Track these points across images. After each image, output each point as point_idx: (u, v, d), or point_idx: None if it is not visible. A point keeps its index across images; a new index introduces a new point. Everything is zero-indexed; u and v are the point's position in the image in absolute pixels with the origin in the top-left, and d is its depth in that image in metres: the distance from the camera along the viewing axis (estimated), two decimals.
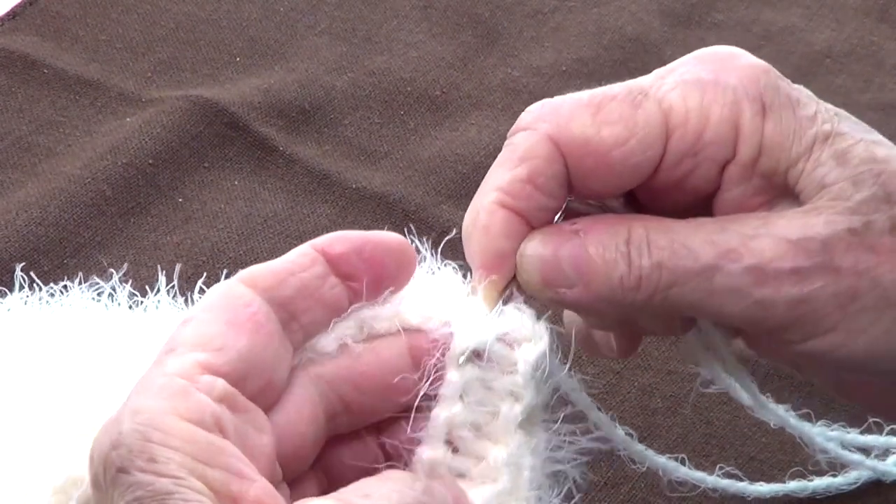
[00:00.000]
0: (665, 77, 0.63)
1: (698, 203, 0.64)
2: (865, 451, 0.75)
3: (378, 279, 0.60)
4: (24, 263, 0.77)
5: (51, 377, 0.64)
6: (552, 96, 0.64)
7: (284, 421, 0.58)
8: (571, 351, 0.62)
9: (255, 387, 0.56)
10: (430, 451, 0.59)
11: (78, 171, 0.92)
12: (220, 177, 0.94)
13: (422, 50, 1.04)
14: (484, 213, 0.62)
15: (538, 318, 0.61)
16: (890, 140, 0.64)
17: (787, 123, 0.62)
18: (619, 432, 0.66)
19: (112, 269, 0.76)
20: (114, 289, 0.69)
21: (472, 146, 0.97)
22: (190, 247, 0.89)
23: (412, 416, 0.60)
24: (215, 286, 0.58)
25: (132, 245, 0.89)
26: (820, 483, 0.75)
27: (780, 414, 0.68)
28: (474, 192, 0.63)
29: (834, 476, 0.75)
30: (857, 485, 0.75)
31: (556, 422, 0.61)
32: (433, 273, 0.62)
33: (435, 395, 0.59)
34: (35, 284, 0.71)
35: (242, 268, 0.59)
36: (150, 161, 0.93)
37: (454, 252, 0.63)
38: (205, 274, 0.72)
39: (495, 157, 0.64)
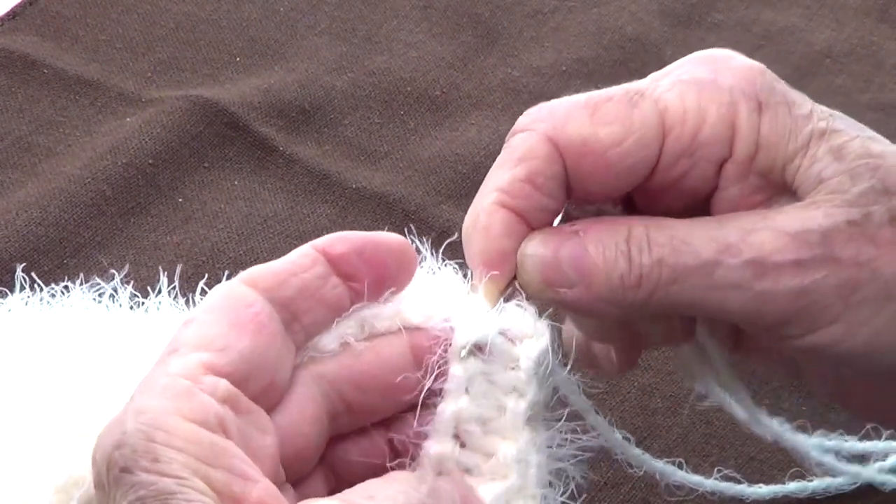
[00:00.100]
0: (661, 79, 0.64)
1: (696, 206, 0.64)
2: (865, 457, 0.75)
3: (379, 279, 0.60)
4: (24, 263, 0.77)
5: (52, 377, 0.64)
6: (552, 96, 0.64)
7: (287, 421, 0.58)
8: (572, 353, 0.63)
9: (258, 387, 0.56)
10: (437, 446, 0.59)
11: (78, 171, 0.92)
12: (220, 177, 0.94)
13: (422, 50, 1.04)
14: (484, 214, 0.62)
15: (539, 316, 0.61)
16: (890, 140, 0.64)
17: (783, 121, 0.63)
18: (617, 436, 0.66)
19: (113, 270, 0.76)
20: (115, 289, 0.70)
21: (472, 146, 0.97)
22: (190, 247, 0.89)
23: (418, 409, 0.60)
24: (217, 287, 0.58)
25: (132, 245, 0.89)
26: (819, 484, 0.75)
27: (775, 429, 0.69)
28: (474, 192, 0.63)
29: (833, 476, 0.75)
30: (857, 485, 0.75)
31: (558, 420, 0.61)
32: (434, 273, 0.62)
33: (439, 391, 0.60)
34: (36, 284, 0.71)
35: (242, 268, 0.59)
36: (150, 161, 0.93)
37: (455, 253, 0.63)
38: (206, 275, 0.71)
39: (495, 157, 0.64)
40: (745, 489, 0.73)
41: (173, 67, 1.01)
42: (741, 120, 0.62)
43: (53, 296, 0.70)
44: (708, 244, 0.61)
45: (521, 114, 0.64)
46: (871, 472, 0.74)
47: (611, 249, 0.61)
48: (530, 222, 0.62)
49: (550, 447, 0.61)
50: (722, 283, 0.60)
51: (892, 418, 0.70)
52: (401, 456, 0.60)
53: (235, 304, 0.57)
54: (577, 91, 0.60)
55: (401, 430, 0.61)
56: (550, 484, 0.61)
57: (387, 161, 0.96)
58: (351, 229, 0.90)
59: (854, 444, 0.74)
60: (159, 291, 0.69)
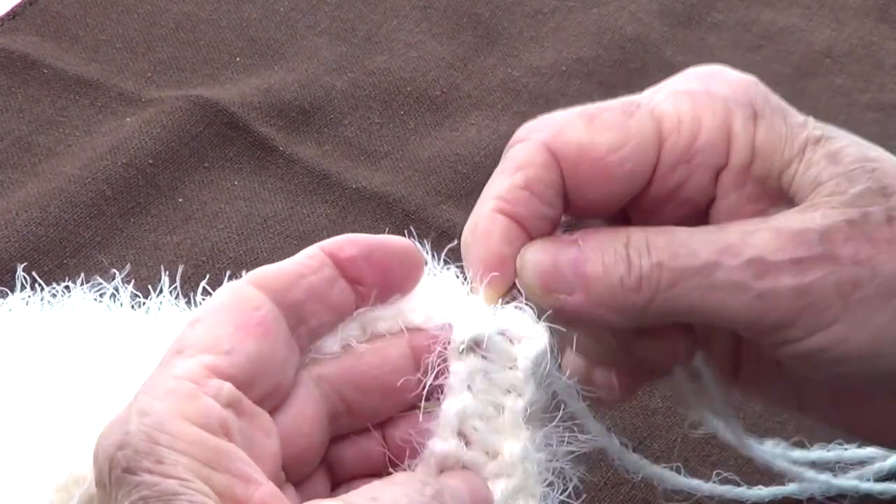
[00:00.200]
0: (656, 93, 0.64)
1: (694, 220, 0.64)
2: (866, 462, 0.75)
3: (385, 284, 0.60)
4: (24, 263, 0.77)
5: (53, 376, 0.64)
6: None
7: (290, 423, 0.58)
8: (573, 358, 0.63)
9: (263, 390, 0.56)
10: (442, 444, 0.59)
11: (78, 171, 0.92)
12: (220, 177, 0.94)
13: (422, 50, 1.04)
14: (483, 221, 0.62)
15: (538, 318, 0.61)
16: (891, 139, 0.64)
17: (778, 128, 0.63)
18: (615, 441, 0.66)
19: (115, 270, 0.76)
20: (116, 289, 0.70)
21: (472, 146, 0.97)
22: (190, 247, 0.89)
23: (422, 406, 0.60)
24: (224, 286, 0.58)
25: (132, 245, 0.89)
26: (820, 486, 0.75)
27: (768, 457, 0.70)
28: (474, 192, 0.63)
29: (833, 475, 0.75)
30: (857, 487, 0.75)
31: (555, 419, 0.61)
32: (434, 274, 0.62)
33: (440, 389, 0.60)
34: (37, 284, 0.71)
35: (243, 268, 0.59)
36: (150, 161, 0.93)
37: (455, 256, 0.63)
38: (208, 276, 0.71)
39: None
40: (745, 491, 0.73)
41: (173, 67, 1.01)
42: (737, 127, 0.63)
43: (54, 295, 0.70)
44: (707, 246, 0.61)
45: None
46: (869, 485, 0.74)
47: (610, 254, 0.61)
48: (529, 230, 0.62)
49: (550, 445, 0.61)
50: (722, 284, 0.60)
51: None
52: (400, 457, 0.60)
53: (242, 306, 0.57)
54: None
55: (401, 432, 0.61)
56: (550, 483, 0.61)
57: (387, 161, 0.96)
58: (351, 229, 0.91)
59: (856, 452, 0.74)
60: (160, 291, 0.69)
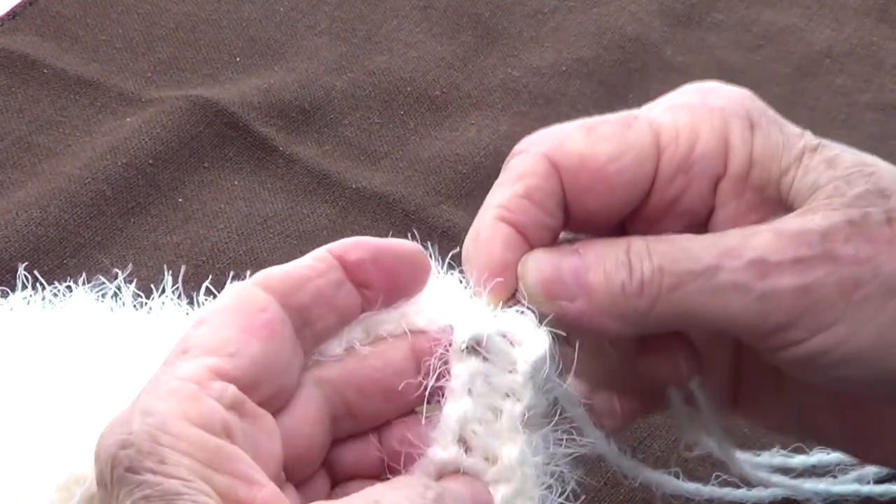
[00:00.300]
0: (654, 107, 0.65)
1: (694, 230, 0.64)
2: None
3: (392, 288, 0.60)
4: (25, 263, 0.77)
5: (54, 375, 0.65)
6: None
7: (292, 424, 0.58)
8: (574, 364, 0.62)
9: (266, 393, 0.56)
10: (442, 453, 0.59)
11: (78, 171, 0.92)
12: (220, 177, 0.94)
13: (422, 50, 1.04)
14: (485, 230, 0.62)
15: (539, 323, 0.61)
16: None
17: (775, 138, 0.63)
18: (614, 448, 0.66)
19: (117, 269, 0.76)
20: (118, 288, 0.70)
21: (472, 146, 0.97)
22: (190, 247, 0.89)
23: (424, 407, 0.60)
24: (230, 287, 0.58)
25: (132, 245, 0.89)
26: (821, 487, 0.75)
27: (762, 477, 0.70)
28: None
29: (834, 477, 0.75)
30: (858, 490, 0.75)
31: (553, 421, 0.61)
32: (437, 276, 0.62)
33: (441, 391, 0.60)
34: (38, 283, 0.71)
35: (243, 268, 0.59)
36: (150, 161, 0.93)
37: (456, 260, 0.63)
38: (207, 275, 0.71)
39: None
40: (745, 494, 0.73)
41: (173, 67, 1.01)
42: (734, 136, 0.63)
43: (56, 295, 0.70)
44: (709, 250, 0.61)
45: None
46: (868, 488, 0.74)
47: (611, 261, 0.61)
48: (530, 240, 0.62)
49: (548, 448, 0.61)
50: (724, 287, 0.60)
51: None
52: (399, 460, 0.60)
53: (248, 308, 0.57)
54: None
55: (402, 434, 0.61)
56: (549, 486, 0.61)
57: (387, 161, 0.96)
58: (351, 229, 0.91)
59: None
60: (162, 291, 0.69)
